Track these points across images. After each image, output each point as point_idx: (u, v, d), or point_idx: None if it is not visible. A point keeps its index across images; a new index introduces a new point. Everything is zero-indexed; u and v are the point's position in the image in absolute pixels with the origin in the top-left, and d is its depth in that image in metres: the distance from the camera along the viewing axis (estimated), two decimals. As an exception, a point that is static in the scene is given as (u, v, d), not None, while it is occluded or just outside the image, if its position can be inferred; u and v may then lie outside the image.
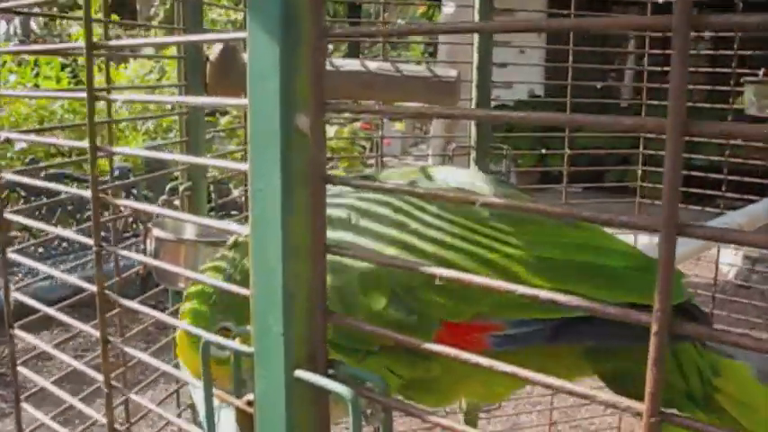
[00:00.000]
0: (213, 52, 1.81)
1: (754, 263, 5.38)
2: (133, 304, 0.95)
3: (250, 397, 0.73)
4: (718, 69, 3.16)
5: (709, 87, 3.15)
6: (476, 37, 2.67)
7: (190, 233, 1.52)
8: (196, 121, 1.87)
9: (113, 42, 0.88)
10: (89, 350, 3.98)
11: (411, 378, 1.01)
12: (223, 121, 6.75)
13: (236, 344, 0.71)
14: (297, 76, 0.60)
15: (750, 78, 2.83)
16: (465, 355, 0.58)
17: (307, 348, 0.65)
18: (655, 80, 2.91)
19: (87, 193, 0.89)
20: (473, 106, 2.65)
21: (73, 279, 1.05)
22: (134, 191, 5.46)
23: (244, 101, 0.65)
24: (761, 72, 2.80)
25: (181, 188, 1.68)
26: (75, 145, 0.94)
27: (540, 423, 3.36)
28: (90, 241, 0.93)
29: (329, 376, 0.65)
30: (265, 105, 0.61)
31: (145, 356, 0.95)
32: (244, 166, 0.66)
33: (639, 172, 3.12)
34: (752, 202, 3.18)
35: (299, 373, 0.64)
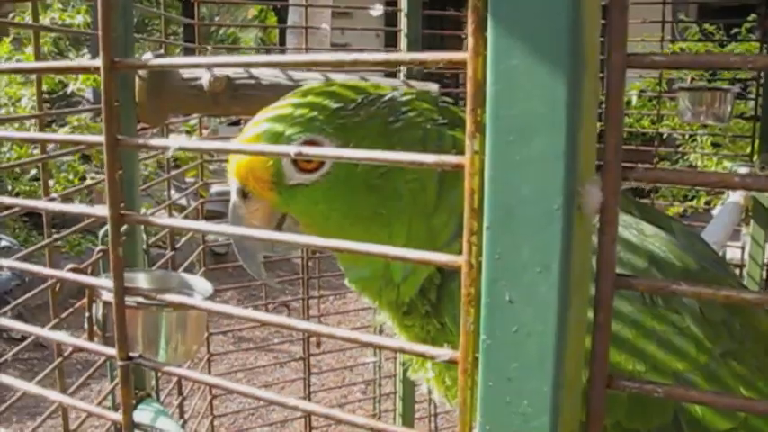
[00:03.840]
0: (142, 65, 1.48)
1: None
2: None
3: None
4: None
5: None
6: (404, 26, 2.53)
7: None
8: (130, 153, 1.53)
9: (148, 59, 0.60)
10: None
11: None
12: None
13: None
14: (583, 127, 0.39)
15: (683, 85, 2.87)
16: None
17: None
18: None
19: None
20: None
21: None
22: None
23: (455, 159, 0.43)
24: (688, 79, 2.85)
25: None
26: (90, 212, 0.65)
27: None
28: None
29: None
30: (521, 173, 0.40)
31: None
32: (454, 259, 0.43)
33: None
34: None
35: None
